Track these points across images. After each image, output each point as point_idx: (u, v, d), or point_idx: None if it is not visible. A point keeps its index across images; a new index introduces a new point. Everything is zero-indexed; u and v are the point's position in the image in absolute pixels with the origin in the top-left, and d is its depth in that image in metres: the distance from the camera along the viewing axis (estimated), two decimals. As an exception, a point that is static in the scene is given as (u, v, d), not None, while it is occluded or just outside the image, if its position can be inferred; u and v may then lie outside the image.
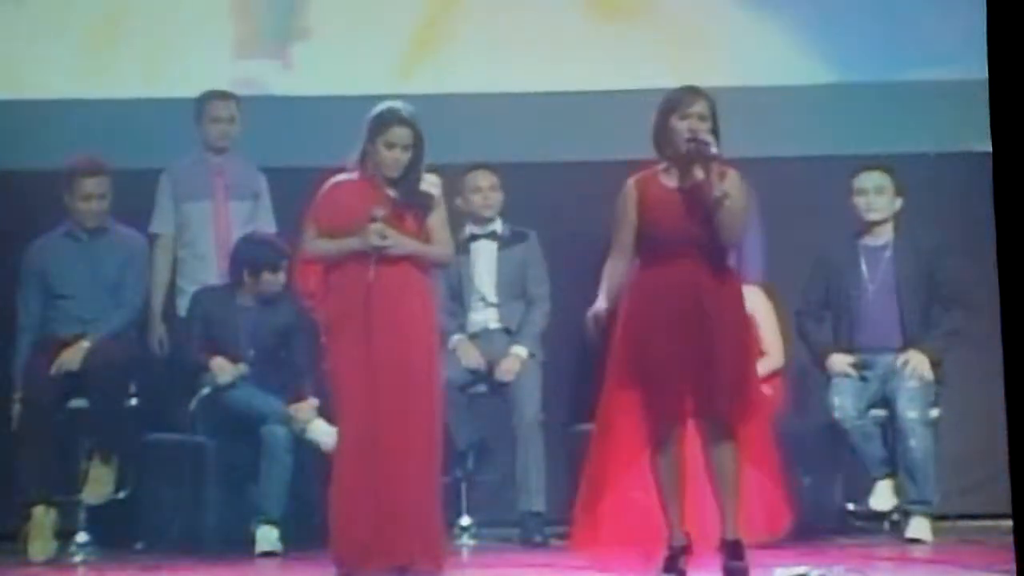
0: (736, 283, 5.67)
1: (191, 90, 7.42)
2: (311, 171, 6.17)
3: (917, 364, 6.96)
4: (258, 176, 7.42)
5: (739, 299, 5.63)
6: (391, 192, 5.89)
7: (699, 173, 5.50)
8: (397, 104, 5.91)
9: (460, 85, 7.68)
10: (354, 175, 5.93)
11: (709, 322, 5.47)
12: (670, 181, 5.56)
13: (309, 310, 6.38)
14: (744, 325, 5.66)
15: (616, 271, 5.61)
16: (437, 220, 5.96)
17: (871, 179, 7.12)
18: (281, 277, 7.02)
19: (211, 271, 7.28)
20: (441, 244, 5.99)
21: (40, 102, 7.60)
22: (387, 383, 5.76)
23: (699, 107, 5.51)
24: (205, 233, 7.32)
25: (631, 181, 5.61)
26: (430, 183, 5.93)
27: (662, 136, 5.56)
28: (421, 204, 5.91)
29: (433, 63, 7.76)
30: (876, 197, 7.11)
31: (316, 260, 5.99)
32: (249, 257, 7.09)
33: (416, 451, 5.78)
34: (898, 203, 7.13)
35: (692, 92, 5.58)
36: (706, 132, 5.47)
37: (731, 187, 5.46)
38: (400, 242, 5.84)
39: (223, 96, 7.37)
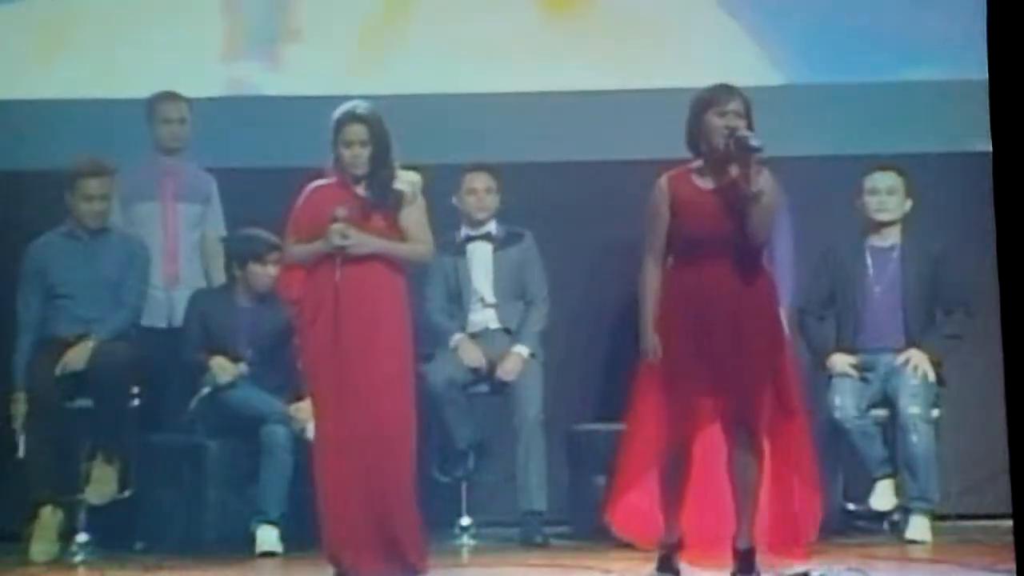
0: (769, 285, 5.59)
1: (183, 91, 7.42)
2: (297, 171, 6.17)
3: (919, 362, 6.96)
4: (208, 179, 7.42)
5: (772, 301, 5.57)
6: (360, 191, 5.91)
7: (734, 171, 5.46)
8: (354, 103, 5.94)
9: (447, 86, 7.66)
10: (332, 179, 5.95)
11: (739, 325, 5.43)
12: (704, 182, 5.52)
13: (294, 316, 6.39)
14: (776, 328, 5.57)
15: (652, 281, 5.51)
16: (412, 217, 5.93)
17: (884, 179, 7.10)
18: (271, 270, 7.01)
19: (157, 272, 7.25)
20: (417, 242, 5.96)
21: (38, 102, 7.60)
22: (357, 382, 5.77)
23: (735, 104, 5.47)
24: (152, 234, 7.29)
25: (663, 178, 5.57)
26: (405, 181, 5.92)
27: (698, 133, 5.51)
28: (390, 202, 5.89)
29: (417, 63, 7.75)
30: (888, 197, 7.09)
31: (294, 264, 6.03)
32: (236, 251, 7.10)
33: (390, 448, 5.78)
34: (908, 205, 7.13)
35: (727, 89, 5.53)
36: (744, 128, 5.43)
37: (764, 185, 5.43)
38: (362, 241, 5.83)
39: (172, 97, 7.37)
